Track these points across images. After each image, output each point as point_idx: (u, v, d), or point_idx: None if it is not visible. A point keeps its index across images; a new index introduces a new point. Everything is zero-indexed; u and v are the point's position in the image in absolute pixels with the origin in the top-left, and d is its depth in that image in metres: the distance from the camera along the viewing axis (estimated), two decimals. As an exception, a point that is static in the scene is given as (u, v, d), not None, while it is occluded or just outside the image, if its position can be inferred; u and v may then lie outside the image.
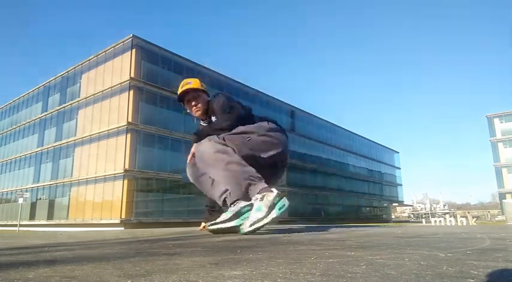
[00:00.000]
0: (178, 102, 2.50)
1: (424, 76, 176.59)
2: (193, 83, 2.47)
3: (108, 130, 20.58)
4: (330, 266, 0.79)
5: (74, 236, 2.44)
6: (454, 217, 22.92)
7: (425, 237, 1.66)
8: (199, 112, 2.45)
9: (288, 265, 0.81)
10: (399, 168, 52.57)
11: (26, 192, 21.94)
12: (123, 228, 16.26)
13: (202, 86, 2.50)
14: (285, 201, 2.01)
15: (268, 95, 30.19)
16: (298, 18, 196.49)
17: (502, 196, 37.73)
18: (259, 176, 2.10)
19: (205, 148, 2.16)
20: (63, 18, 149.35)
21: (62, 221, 21.76)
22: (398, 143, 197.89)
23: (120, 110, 20.18)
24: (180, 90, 2.45)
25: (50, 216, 23.11)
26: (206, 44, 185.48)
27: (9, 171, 28.86)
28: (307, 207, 31.90)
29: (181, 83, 2.50)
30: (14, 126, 29.52)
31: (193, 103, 2.43)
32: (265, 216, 1.94)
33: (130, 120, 19.68)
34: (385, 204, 48.28)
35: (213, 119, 2.38)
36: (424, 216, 54.67)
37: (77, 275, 0.73)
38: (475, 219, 22.23)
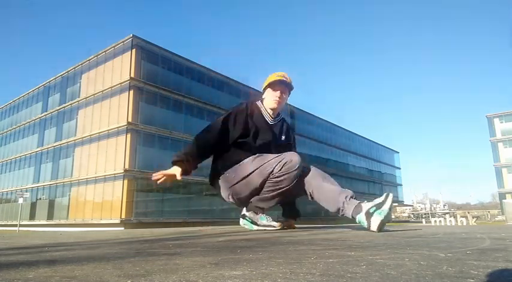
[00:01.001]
0: (267, 85, 2.45)
1: (424, 76, 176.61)
2: (290, 80, 2.48)
3: (108, 130, 20.59)
4: (330, 266, 0.79)
5: (74, 236, 2.44)
6: (454, 217, 22.93)
7: (425, 237, 1.66)
8: (280, 108, 2.50)
9: (288, 265, 0.81)
10: (399, 168, 52.56)
11: (26, 192, 21.95)
12: (123, 228, 16.26)
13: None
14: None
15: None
16: (298, 18, 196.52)
17: (502, 196, 37.76)
18: None
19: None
20: (63, 18, 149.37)
21: (62, 221, 21.77)
22: (398, 143, 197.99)
23: (120, 110, 20.19)
24: (278, 78, 2.42)
25: (50, 216, 23.12)
26: (206, 44, 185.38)
27: (9, 171, 28.86)
28: (307, 207, 31.90)
29: (279, 72, 2.47)
30: (14, 126, 29.51)
31: (284, 96, 2.47)
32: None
33: (130, 120, 19.69)
34: (385, 204, 48.22)
35: (288, 136, 2.59)
36: (424, 216, 54.64)
37: (77, 275, 0.73)
38: (475, 219, 22.24)
